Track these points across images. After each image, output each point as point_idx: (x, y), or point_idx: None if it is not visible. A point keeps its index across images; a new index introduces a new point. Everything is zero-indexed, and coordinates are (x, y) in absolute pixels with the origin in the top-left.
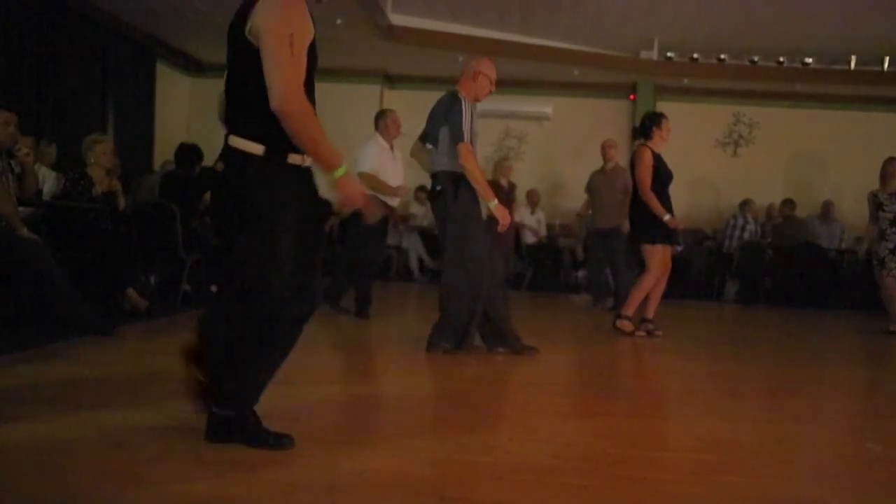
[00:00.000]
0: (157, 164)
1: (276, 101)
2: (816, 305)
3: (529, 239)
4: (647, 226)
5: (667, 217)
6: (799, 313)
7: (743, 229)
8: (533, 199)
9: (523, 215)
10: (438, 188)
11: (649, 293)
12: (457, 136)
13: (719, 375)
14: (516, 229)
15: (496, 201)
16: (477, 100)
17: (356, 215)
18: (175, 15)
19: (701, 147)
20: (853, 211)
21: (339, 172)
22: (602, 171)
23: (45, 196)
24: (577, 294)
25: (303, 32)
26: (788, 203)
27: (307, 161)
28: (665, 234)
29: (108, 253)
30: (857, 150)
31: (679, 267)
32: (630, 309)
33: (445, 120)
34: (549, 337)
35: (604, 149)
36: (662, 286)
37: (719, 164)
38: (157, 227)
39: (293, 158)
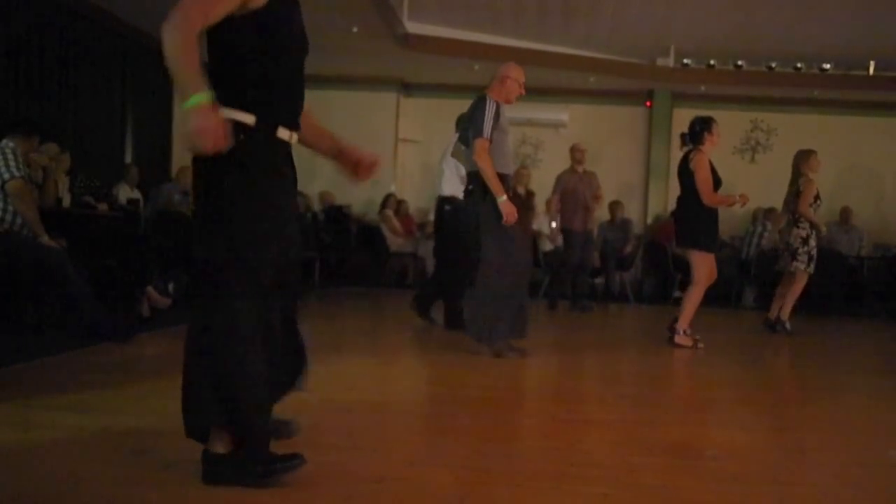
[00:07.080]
0: (174, 171)
1: (165, 21)
2: (835, 312)
3: (546, 247)
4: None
5: None
6: (818, 320)
7: (761, 237)
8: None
9: (541, 223)
10: (470, 187)
11: None
12: (475, 132)
13: (738, 383)
14: (533, 238)
15: (505, 197)
16: (507, 102)
17: (456, 212)
18: None
19: (718, 154)
20: (872, 217)
21: (193, 101)
22: (575, 171)
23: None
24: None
25: None
26: None
27: (294, 138)
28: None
29: (128, 259)
30: (876, 156)
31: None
32: None
33: (471, 120)
34: (566, 344)
35: (582, 152)
36: None
37: (737, 170)
38: (175, 236)
39: (282, 133)
